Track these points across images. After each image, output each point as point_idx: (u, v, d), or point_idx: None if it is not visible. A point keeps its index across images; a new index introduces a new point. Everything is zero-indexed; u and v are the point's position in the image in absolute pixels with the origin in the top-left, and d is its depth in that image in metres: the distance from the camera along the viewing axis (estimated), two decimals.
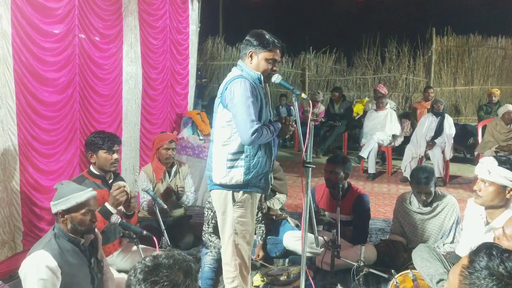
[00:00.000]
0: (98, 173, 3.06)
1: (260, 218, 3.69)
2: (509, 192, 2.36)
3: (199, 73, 8.64)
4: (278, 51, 2.55)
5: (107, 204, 2.71)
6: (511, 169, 2.33)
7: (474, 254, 1.36)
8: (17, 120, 3.23)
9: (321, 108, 8.41)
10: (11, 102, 3.17)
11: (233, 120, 2.48)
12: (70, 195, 2.23)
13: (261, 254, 3.57)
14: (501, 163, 2.36)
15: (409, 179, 3.56)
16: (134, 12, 4.71)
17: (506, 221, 1.97)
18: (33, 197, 3.39)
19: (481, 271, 1.31)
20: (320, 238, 2.85)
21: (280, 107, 9.07)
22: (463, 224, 2.83)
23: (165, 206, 3.27)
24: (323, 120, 8.10)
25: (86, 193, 2.28)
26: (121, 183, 2.84)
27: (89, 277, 2.33)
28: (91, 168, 3.07)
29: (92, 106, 4.09)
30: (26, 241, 3.31)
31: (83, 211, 2.23)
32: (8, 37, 3.09)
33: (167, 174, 3.98)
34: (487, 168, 2.39)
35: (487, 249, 1.35)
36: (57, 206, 2.24)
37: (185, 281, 1.36)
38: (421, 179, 3.33)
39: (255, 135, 2.38)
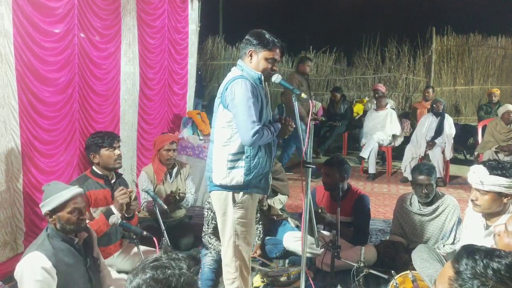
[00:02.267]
0: (101, 173, 3.05)
1: (258, 219, 3.68)
2: (506, 197, 2.33)
3: (199, 73, 8.61)
4: (277, 50, 2.54)
5: (112, 207, 2.71)
6: (503, 174, 2.30)
7: (458, 262, 1.28)
8: (19, 120, 3.23)
9: (318, 105, 8.35)
10: (14, 102, 3.17)
11: (233, 120, 2.47)
12: (54, 195, 2.23)
13: (259, 251, 3.57)
14: (492, 170, 2.33)
15: (411, 174, 3.56)
16: (133, 11, 4.70)
17: (508, 219, 1.96)
18: (35, 198, 3.38)
19: (472, 280, 1.23)
20: (320, 238, 2.84)
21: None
22: (464, 224, 2.82)
23: (165, 207, 3.27)
24: (324, 119, 8.09)
25: (69, 192, 2.26)
26: (128, 189, 2.85)
27: (86, 276, 2.32)
28: (94, 168, 3.07)
29: (90, 106, 4.08)
30: (27, 241, 3.29)
31: (68, 209, 2.23)
32: (10, 37, 3.09)
33: (168, 175, 3.97)
34: (480, 179, 2.36)
35: (469, 255, 1.27)
36: (44, 207, 2.24)
37: None
38: (422, 170, 3.34)
39: (256, 136, 2.37)
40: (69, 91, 3.75)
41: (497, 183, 2.31)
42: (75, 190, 2.30)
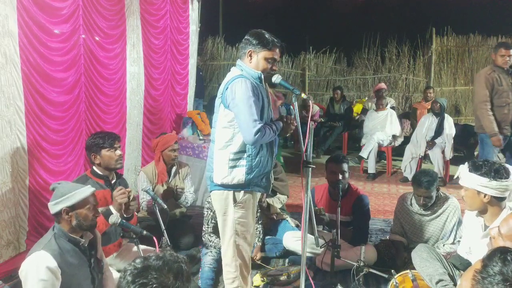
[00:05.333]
0: (101, 173, 3.05)
1: (258, 218, 3.68)
2: (485, 196, 2.33)
3: (201, 73, 8.63)
4: (277, 50, 2.55)
5: (111, 207, 2.72)
6: (480, 174, 2.31)
7: (488, 259, 1.35)
8: (25, 120, 3.22)
9: (315, 108, 8.35)
10: (19, 102, 3.16)
11: (235, 120, 2.47)
12: (74, 192, 2.26)
13: (259, 255, 3.57)
14: (472, 167, 2.36)
15: (412, 180, 3.52)
16: (136, 12, 4.72)
17: (501, 221, 1.98)
18: (43, 198, 3.38)
19: (494, 276, 1.30)
20: (320, 239, 2.84)
21: (280, 106, 9.06)
22: (464, 223, 2.82)
23: (165, 206, 3.27)
24: (322, 120, 8.10)
25: (88, 189, 2.33)
26: (127, 189, 2.85)
27: (89, 277, 2.33)
28: (94, 168, 3.07)
29: (98, 106, 4.09)
30: (30, 240, 3.30)
31: (88, 206, 2.28)
32: (15, 37, 3.08)
33: (166, 175, 3.98)
34: (460, 174, 2.41)
35: (502, 254, 1.34)
36: (60, 204, 2.24)
37: (175, 283, 1.35)
38: (422, 182, 3.29)
39: (258, 134, 2.38)
40: (76, 92, 3.76)
41: (472, 180, 2.34)
42: (91, 188, 2.36)
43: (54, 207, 2.26)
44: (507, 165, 2.39)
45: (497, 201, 2.34)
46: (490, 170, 2.30)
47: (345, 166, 3.55)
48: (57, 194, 2.28)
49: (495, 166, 2.33)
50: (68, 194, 2.25)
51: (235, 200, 2.56)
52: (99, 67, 4.07)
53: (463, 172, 2.40)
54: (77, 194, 2.26)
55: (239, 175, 2.50)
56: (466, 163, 2.44)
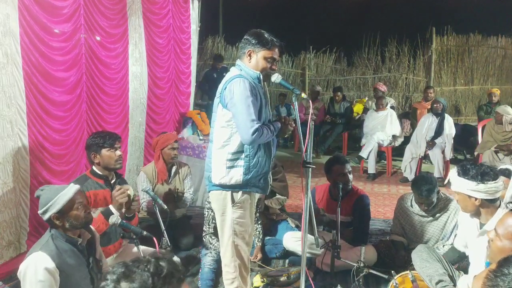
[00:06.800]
0: (101, 173, 3.05)
1: (257, 219, 3.67)
2: (476, 200, 2.34)
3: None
4: (276, 49, 2.55)
5: (111, 206, 2.71)
6: (468, 178, 2.31)
7: (505, 261, 1.37)
8: (27, 120, 3.22)
9: (320, 103, 8.38)
10: (21, 102, 3.16)
11: (233, 119, 2.48)
12: (57, 196, 2.22)
13: (260, 256, 3.57)
14: (461, 172, 2.36)
15: (411, 187, 3.48)
16: (138, 11, 4.72)
17: (497, 222, 1.98)
18: None
19: (507, 275, 1.31)
20: (320, 240, 2.84)
21: (280, 106, 9.07)
22: (459, 220, 2.84)
23: (165, 207, 3.27)
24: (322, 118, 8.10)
25: (71, 189, 2.28)
26: (125, 186, 2.84)
27: (88, 277, 2.32)
28: (94, 168, 3.07)
29: (100, 106, 4.09)
30: (31, 241, 3.30)
31: (75, 206, 2.24)
32: (17, 37, 3.09)
33: (166, 173, 3.97)
34: (450, 179, 2.41)
35: None
36: (48, 212, 2.21)
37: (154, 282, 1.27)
38: (422, 191, 3.28)
39: (255, 134, 2.38)
40: (77, 91, 3.76)
41: (461, 185, 2.34)
42: (74, 186, 2.31)
43: (43, 216, 2.24)
44: (505, 166, 2.38)
45: (489, 203, 2.34)
46: (477, 173, 2.30)
47: (349, 166, 3.58)
48: (42, 202, 2.24)
49: (482, 169, 2.32)
50: (52, 201, 2.20)
51: (233, 200, 2.57)
52: (101, 67, 4.07)
53: (452, 177, 2.40)
54: (61, 197, 2.21)
55: (237, 175, 2.51)
56: (456, 167, 2.44)
